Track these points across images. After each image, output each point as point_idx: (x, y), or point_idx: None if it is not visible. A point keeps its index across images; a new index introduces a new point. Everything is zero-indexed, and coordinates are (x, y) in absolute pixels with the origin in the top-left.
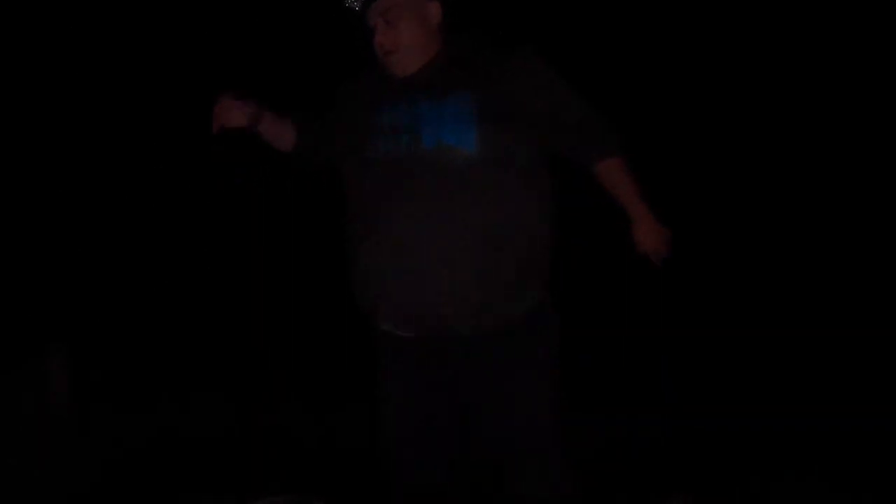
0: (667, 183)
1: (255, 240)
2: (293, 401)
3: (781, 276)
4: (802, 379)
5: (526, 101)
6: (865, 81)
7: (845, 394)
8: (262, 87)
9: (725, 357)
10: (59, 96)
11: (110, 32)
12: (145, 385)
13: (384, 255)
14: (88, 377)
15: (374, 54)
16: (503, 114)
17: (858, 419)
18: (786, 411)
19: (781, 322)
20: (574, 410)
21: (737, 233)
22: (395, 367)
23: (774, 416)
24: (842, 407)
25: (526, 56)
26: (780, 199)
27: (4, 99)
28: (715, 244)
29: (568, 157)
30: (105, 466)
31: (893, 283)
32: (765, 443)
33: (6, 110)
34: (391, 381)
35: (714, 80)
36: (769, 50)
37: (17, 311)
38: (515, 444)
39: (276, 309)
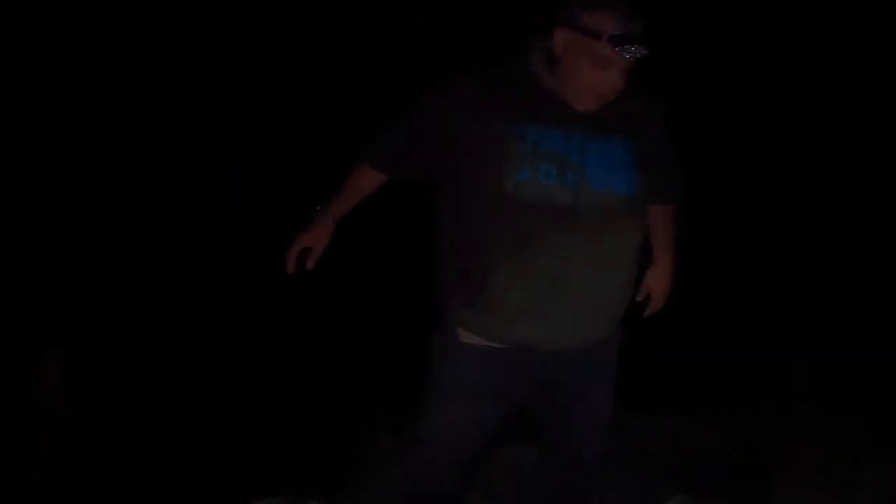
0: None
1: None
2: (291, 401)
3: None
4: None
5: (658, 148)
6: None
7: None
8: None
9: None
10: (54, 98)
11: (121, 31)
12: (143, 387)
13: (534, 288)
14: (86, 379)
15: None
16: (648, 160)
17: None
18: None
19: None
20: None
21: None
22: (469, 370)
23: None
24: None
25: (662, 106)
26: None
27: (4, 102)
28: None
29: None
30: (103, 468)
31: None
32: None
33: (2, 112)
34: (467, 380)
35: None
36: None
37: (15, 314)
38: (592, 438)
39: (274, 309)
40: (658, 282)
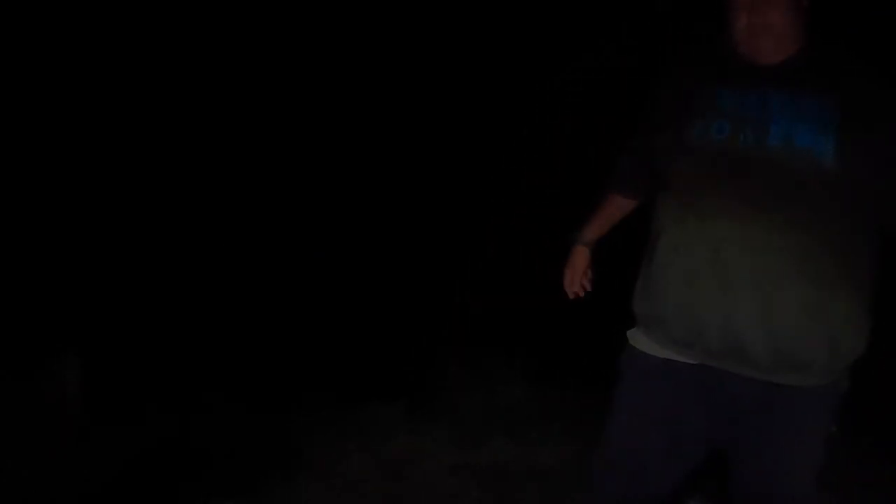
0: None
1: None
2: (301, 406)
3: None
4: None
5: (890, 130)
6: None
7: None
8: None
9: None
10: (73, 103)
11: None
12: (156, 390)
13: (692, 258)
14: (102, 382)
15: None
16: (869, 131)
17: None
18: None
19: None
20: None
21: None
22: (654, 388)
23: None
24: None
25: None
26: None
27: (14, 106)
28: None
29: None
30: (117, 469)
31: None
32: None
33: (19, 119)
34: (643, 400)
35: None
36: None
37: (32, 318)
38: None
39: (286, 314)
40: None
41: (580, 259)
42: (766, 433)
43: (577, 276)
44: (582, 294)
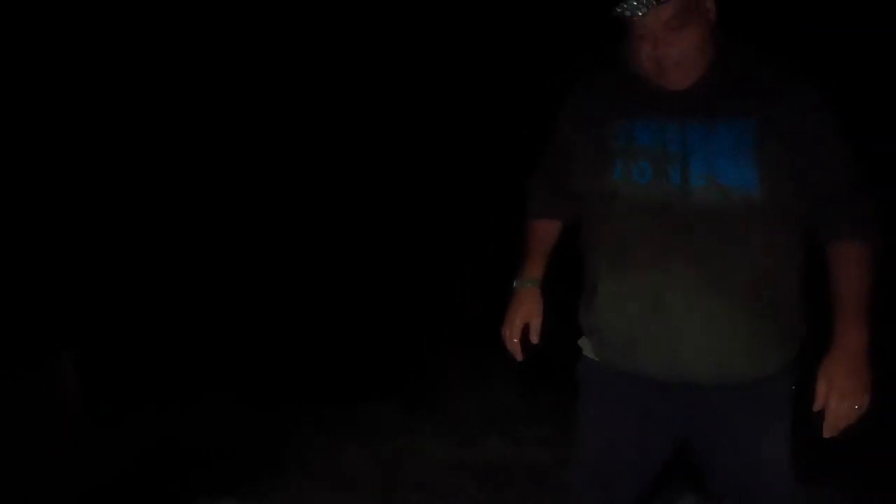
0: None
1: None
2: (298, 403)
3: None
4: None
5: (807, 145)
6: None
7: None
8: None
9: None
10: (67, 100)
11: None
12: (155, 389)
13: (634, 307)
14: (99, 381)
15: (622, 61)
16: (787, 151)
17: None
18: None
19: None
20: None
21: None
22: (613, 396)
23: None
24: None
25: (814, 95)
26: None
27: (11, 104)
28: None
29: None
30: (116, 468)
31: None
32: None
33: (14, 116)
34: (607, 409)
35: None
36: None
37: (30, 317)
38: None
39: (284, 312)
40: (832, 377)
41: (531, 301)
42: (729, 422)
43: (521, 324)
44: (525, 348)
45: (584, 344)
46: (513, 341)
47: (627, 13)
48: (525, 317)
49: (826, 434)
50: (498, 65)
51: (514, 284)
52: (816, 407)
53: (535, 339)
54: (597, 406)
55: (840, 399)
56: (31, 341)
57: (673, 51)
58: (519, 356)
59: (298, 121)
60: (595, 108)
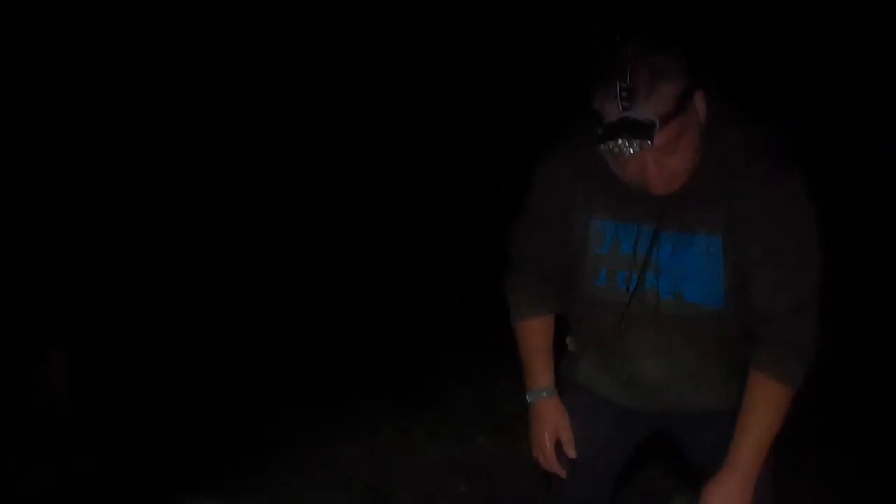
0: None
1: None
2: (290, 400)
3: None
4: None
5: (760, 262)
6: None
7: None
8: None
9: None
10: (58, 99)
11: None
12: (144, 388)
13: (610, 370)
14: (87, 380)
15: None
16: (747, 266)
17: None
18: None
19: None
20: None
21: None
22: (588, 394)
23: None
24: None
25: (791, 196)
26: None
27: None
28: None
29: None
30: (103, 467)
31: None
32: None
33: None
34: (582, 401)
35: None
36: None
37: (18, 316)
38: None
39: (279, 312)
40: (713, 500)
41: (553, 413)
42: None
43: (552, 444)
44: (563, 471)
45: (571, 343)
46: (551, 464)
47: (616, 152)
48: (553, 433)
49: None
50: (498, 65)
51: (527, 398)
52: None
53: (571, 452)
54: (574, 406)
55: None
56: (19, 339)
57: (664, 171)
58: (564, 474)
59: (298, 121)
60: (580, 196)
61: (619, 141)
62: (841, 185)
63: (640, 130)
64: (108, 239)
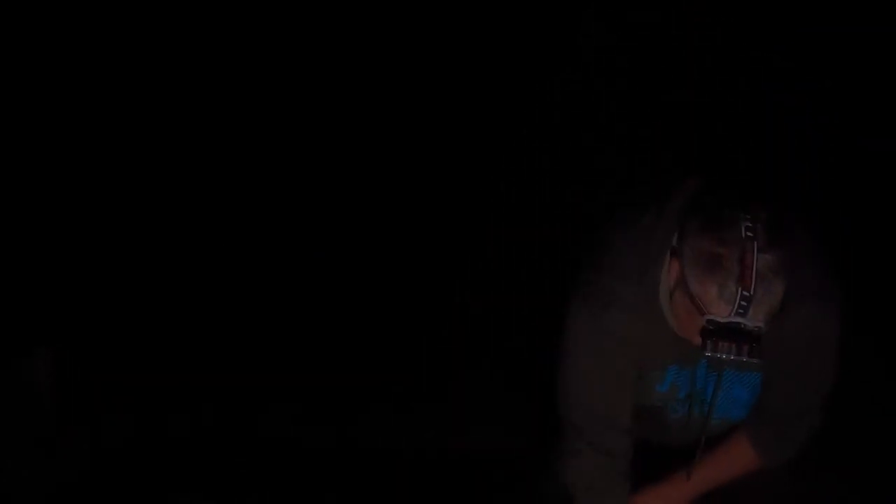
0: None
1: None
2: (284, 393)
3: None
4: None
5: (789, 377)
6: None
7: None
8: None
9: None
10: (51, 99)
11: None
12: (131, 387)
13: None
14: (74, 379)
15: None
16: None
17: None
18: None
19: None
20: None
21: None
22: None
23: None
24: None
25: (826, 343)
26: None
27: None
28: None
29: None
30: (91, 465)
31: None
32: None
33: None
34: None
35: None
36: None
37: (3, 314)
38: None
39: (277, 311)
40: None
41: None
42: None
43: None
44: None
45: None
46: None
47: (716, 355)
48: None
49: None
50: (498, 65)
51: None
52: None
53: None
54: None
55: None
56: (4, 337)
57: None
58: None
59: (298, 120)
60: (637, 355)
61: (726, 344)
62: (841, 185)
63: (747, 338)
64: (102, 236)
